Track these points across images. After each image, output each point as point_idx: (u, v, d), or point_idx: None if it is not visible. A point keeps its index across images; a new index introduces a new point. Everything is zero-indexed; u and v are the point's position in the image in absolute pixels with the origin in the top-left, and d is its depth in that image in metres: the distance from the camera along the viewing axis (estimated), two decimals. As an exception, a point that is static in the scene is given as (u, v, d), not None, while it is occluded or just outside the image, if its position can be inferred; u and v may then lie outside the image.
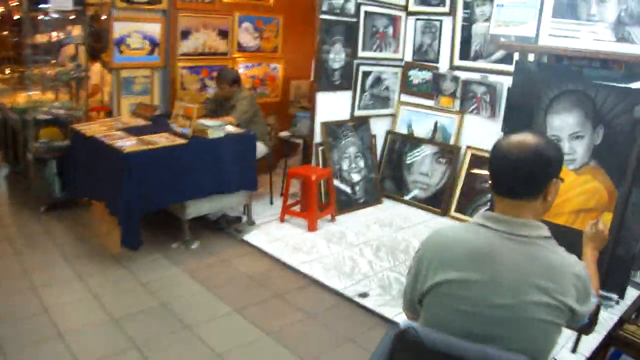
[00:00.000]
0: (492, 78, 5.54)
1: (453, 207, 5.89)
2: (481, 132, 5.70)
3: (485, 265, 1.62)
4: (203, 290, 4.08)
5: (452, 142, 5.98)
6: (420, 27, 6.10)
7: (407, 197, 6.11)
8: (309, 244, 4.94)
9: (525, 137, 1.69)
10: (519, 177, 1.67)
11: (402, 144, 6.29)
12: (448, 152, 5.98)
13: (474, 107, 5.75)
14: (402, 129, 6.36)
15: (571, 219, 2.88)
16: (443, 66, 5.98)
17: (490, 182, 1.77)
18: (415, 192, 6.05)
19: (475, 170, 5.71)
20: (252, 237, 5.05)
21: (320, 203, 5.46)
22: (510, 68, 5.25)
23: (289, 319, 3.77)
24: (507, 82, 5.43)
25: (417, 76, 6.19)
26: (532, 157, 1.65)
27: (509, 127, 3.03)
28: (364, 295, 4.15)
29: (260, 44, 6.61)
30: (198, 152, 4.54)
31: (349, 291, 4.16)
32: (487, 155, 5.64)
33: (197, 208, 4.70)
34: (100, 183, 4.54)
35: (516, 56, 3.41)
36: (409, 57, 6.27)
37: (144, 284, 4.11)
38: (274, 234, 5.14)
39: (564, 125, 2.85)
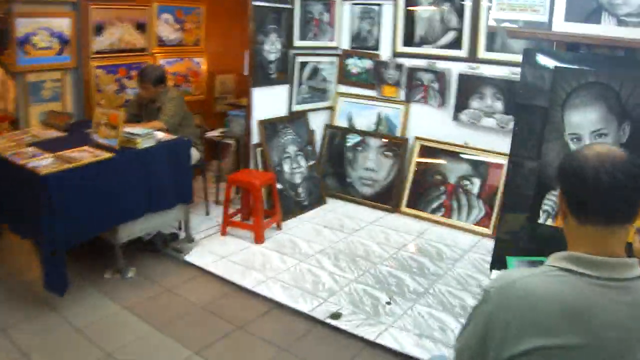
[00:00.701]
0: (440, 64, 5.22)
1: (404, 202, 5.54)
2: (430, 122, 5.39)
3: (583, 325, 1.34)
4: (152, 331, 3.47)
5: (398, 133, 5.60)
6: (357, 13, 5.67)
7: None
8: (260, 260, 4.42)
9: (610, 148, 1.45)
10: (622, 196, 1.38)
11: (342, 138, 5.83)
12: (395, 144, 5.61)
13: (420, 95, 5.39)
14: (342, 122, 5.92)
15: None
16: (385, 53, 5.60)
17: (568, 205, 1.47)
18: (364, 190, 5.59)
19: (423, 160, 5.36)
20: (195, 256, 4.45)
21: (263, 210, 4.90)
22: (459, 53, 4.94)
23: (260, 356, 3.24)
24: (456, 68, 5.12)
25: (356, 65, 5.76)
26: (637, 171, 1.39)
27: (520, 128, 2.61)
28: (336, 315, 3.71)
29: (182, 37, 5.96)
30: (128, 167, 3.90)
31: (318, 313, 3.72)
32: (439, 146, 5.44)
33: (130, 230, 4.06)
34: (15, 211, 3.77)
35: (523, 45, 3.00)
36: (346, 45, 5.81)
37: (80, 329, 3.46)
38: (218, 250, 4.57)
39: (585, 122, 2.52)
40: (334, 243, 4.81)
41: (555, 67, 2.57)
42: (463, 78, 5.17)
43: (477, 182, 5.30)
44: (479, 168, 5.28)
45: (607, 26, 2.51)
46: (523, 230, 2.71)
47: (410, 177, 5.53)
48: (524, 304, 1.39)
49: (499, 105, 5.10)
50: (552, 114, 2.60)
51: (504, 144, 5.05)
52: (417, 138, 5.51)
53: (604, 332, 1.33)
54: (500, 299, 1.44)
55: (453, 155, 5.37)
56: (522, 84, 2.63)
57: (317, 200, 5.62)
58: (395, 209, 5.57)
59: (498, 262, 2.71)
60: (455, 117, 5.27)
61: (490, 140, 5.21)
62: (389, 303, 3.93)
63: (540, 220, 2.64)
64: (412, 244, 4.77)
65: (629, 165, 1.40)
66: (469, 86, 5.15)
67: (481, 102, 5.15)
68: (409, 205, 5.54)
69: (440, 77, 5.24)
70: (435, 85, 5.29)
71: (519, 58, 4.81)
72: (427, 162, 5.47)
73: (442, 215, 5.42)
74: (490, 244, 4.97)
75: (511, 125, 4.94)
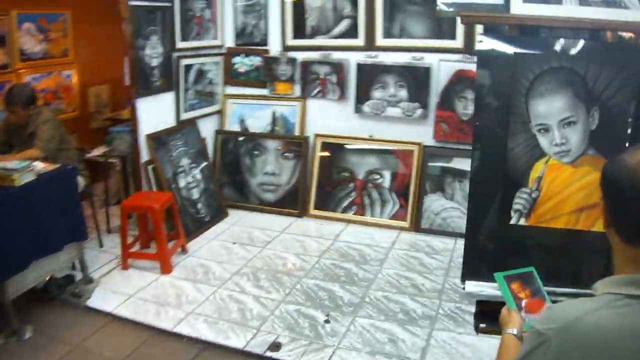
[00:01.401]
0: (336, 55, 4.94)
1: (311, 205, 5.22)
2: (331, 117, 5.12)
3: None
4: (68, 403, 2.88)
5: (297, 132, 5.25)
6: (241, 7, 5.23)
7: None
8: (173, 293, 3.93)
9: None
10: None
11: (236, 143, 5.38)
12: (294, 144, 5.26)
13: (317, 90, 5.06)
14: (233, 127, 5.45)
15: (572, 220, 2.40)
16: (274, 48, 5.22)
17: (615, 222, 1.29)
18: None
19: (327, 157, 5.08)
20: (98, 300, 3.88)
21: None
22: (355, 42, 4.68)
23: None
24: (354, 58, 4.85)
25: (244, 63, 5.34)
26: None
27: (481, 123, 2.35)
28: (275, 346, 3.38)
29: (48, 48, 5.18)
30: (7, 209, 3.23)
31: (254, 346, 3.38)
32: (341, 142, 5.17)
33: (18, 283, 3.44)
34: None
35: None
36: (231, 42, 5.35)
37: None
38: (123, 288, 4.02)
39: (552, 110, 2.35)
40: (248, 261, 4.41)
41: (515, 53, 2.34)
42: (362, 68, 4.92)
43: (387, 174, 5.10)
44: (388, 160, 5.07)
45: (569, 7, 2.32)
46: (494, 233, 2.47)
47: (314, 177, 5.23)
48: (597, 344, 1.20)
49: (403, 93, 4.91)
50: (515, 104, 2.39)
51: (412, 132, 4.91)
52: (318, 135, 5.20)
53: None
54: (565, 342, 1.22)
55: (359, 150, 5.12)
56: (479, 75, 2.36)
57: (217, 214, 5.17)
58: (303, 212, 5.25)
59: (471, 273, 2.45)
60: (358, 110, 5.02)
61: (397, 130, 5.03)
62: (327, 321, 3.61)
63: (513, 221, 2.41)
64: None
65: None
66: (370, 76, 4.92)
67: (384, 91, 4.93)
68: (317, 207, 5.25)
69: (338, 68, 4.96)
70: (333, 78, 5.00)
71: (419, 43, 4.70)
72: (331, 160, 5.16)
73: (355, 214, 5.17)
74: (409, 237, 4.82)
75: (418, 112, 4.79)
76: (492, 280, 2.42)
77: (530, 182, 2.38)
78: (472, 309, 3.85)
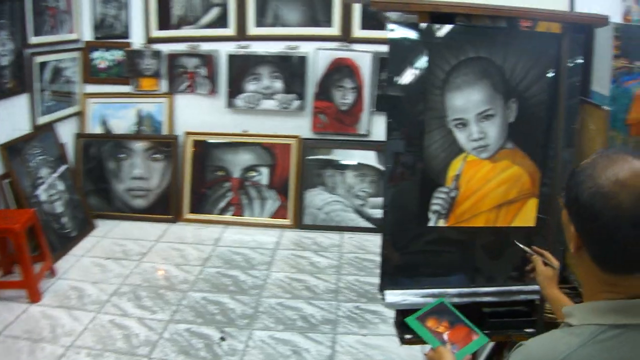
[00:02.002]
0: (205, 46, 4.61)
1: (186, 208, 4.87)
2: (201, 113, 4.84)
3: None
4: None
5: (165, 131, 4.86)
6: (99, -5, 4.68)
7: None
8: (46, 325, 3.48)
9: None
10: None
11: (99, 147, 4.88)
12: (163, 144, 4.88)
13: (186, 84, 4.72)
14: (95, 129, 4.94)
15: (492, 217, 2.33)
16: (137, 41, 4.78)
17: (586, 248, 1.15)
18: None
19: (199, 156, 4.77)
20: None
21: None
22: (226, 31, 4.40)
23: None
24: (224, 49, 4.55)
25: (104, 58, 4.85)
26: None
27: (394, 120, 2.18)
28: (171, 375, 2.99)
29: None
30: None
31: None
32: (214, 139, 4.83)
33: None
34: None
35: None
36: (89, 35, 4.81)
37: None
38: (-15, 325, 3.46)
39: (469, 104, 2.24)
40: (125, 277, 4.00)
41: (429, 43, 2.16)
42: (234, 59, 4.64)
43: (265, 171, 4.87)
44: (265, 156, 4.84)
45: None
46: (412, 237, 2.32)
47: (187, 178, 4.88)
48: None
49: (278, 84, 4.70)
50: (430, 98, 2.24)
51: (289, 125, 4.73)
52: (189, 133, 4.85)
53: None
54: None
55: (233, 147, 4.84)
56: (390, 68, 2.18)
57: (84, 227, 4.66)
58: (177, 217, 4.90)
59: (390, 283, 2.30)
60: (230, 104, 4.74)
61: (273, 123, 4.82)
62: (223, 339, 3.36)
63: (431, 223, 2.27)
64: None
65: None
66: (242, 67, 4.65)
67: (258, 83, 4.69)
68: (193, 211, 4.91)
69: (208, 61, 4.63)
70: (203, 71, 4.67)
71: (294, 31, 4.49)
72: (204, 159, 4.83)
73: (233, 215, 4.89)
74: (293, 235, 4.66)
75: (295, 104, 4.59)
76: (414, 287, 2.31)
77: (448, 181, 2.25)
78: (372, 307, 3.78)
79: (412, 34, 2.20)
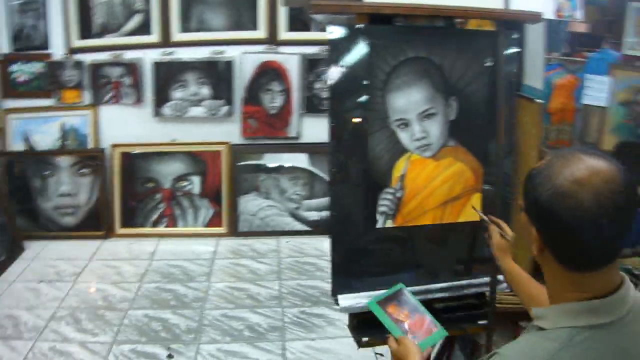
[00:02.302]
0: (128, 55, 4.47)
1: (117, 223, 4.72)
2: (128, 124, 4.70)
3: None
4: None
5: (91, 145, 4.69)
6: (15, 5, 4.47)
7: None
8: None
9: (600, 173, 1.10)
10: (623, 236, 1.13)
11: (23, 165, 4.66)
12: (89, 158, 4.72)
13: (111, 95, 4.57)
14: (17, 146, 4.70)
15: (438, 215, 2.37)
16: (58, 51, 4.55)
17: (549, 249, 1.17)
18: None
19: (127, 168, 4.60)
20: None
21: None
22: (150, 38, 4.30)
23: None
24: (149, 56, 4.43)
25: (23, 71, 4.65)
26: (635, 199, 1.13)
27: (337, 123, 2.19)
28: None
29: None
30: None
31: None
32: (142, 150, 4.67)
33: None
34: None
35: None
36: (6, 48, 4.57)
37: None
38: None
39: (410, 104, 2.27)
40: (62, 300, 3.84)
41: (369, 44, 2.18)
42: (159, 67, 4.54)
43: (196, 180, 4.79)
44: (196, 164, 4.77)
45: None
46: (361, 240, 2.33)
47: (117, 192, 4.73)
48: None
49: (205, 91, 4.64)
50: (372, 100, 2.25)
51: (218, 132, 4.69)
52: (115, 145, 4.69)
53: None
54: None
55: (162, 157, 4.73)
56: (331, 72, 2.18)
57: (13, 250, 4.43)
58: (109, 233, 4.75)
59: (342, 287, 2.30)
60: (157, 113, 4.63)
61: (202, 131, 4.75)
62: (170, 356, 3.28)
63: (379, 225, 2.29)
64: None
65: (629, 196, 1.11)
66: (168, 75, 4.55)
67: (185, 90, 4.60)
68: (125, 225, 4.78)
69: (132, 69, 4.50)
70: (127, 80, 4.54)
71: (219, 36, 4.43)
72: (133, 171, 4.70)
73: (167, 226, 4.78)
74: (230, 243, 4.63)
75: (223, 110, 4.54)
76: (366, 289, 2.31)
77: (393, 182, 2.27)
78: (317, 310, 3.78)
79: (351, 36, 2.20)
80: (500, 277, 2.41)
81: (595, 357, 1.12)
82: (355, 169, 2.26)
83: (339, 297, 2.28)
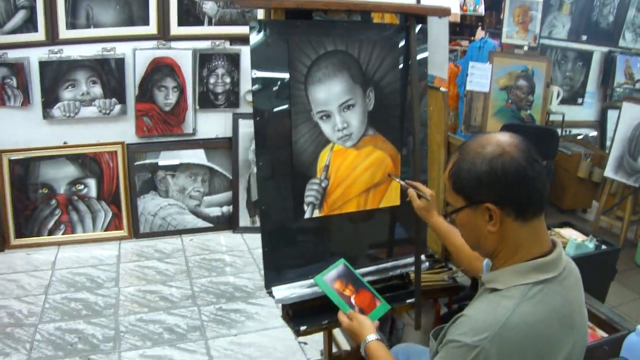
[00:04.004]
0: (13, 54, 4.25)
1: (11, 234, 4.53)
2: (15, 128, 4.46)
3: (571, 326, 1.39)
4: None
5: (-27, 152, 4.42)
6: None
7: None
8: None
9: (509, 138, 1.39)
10: (544, 179, 1.39)
11: None
12: (-27, 167, 4.41)
13: (-7, 98, 4.33)
14: None
15: (362, 202, 2.48)
16: None
17: (507, 211, 1.36)
18: None
19: (17, 175, 4.38)
20: None
21: None
22: (35, 36, 4.17)
23: None
24: (35, 55, 4.27)
25: None
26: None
27: (261, 119, 2.25)
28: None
29: None
30: None
31: None
32: (32, 155, 4.43)
33: None
34: None
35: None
36: None
37: None
38: None
39: (331, 96, 2.34)
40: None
41: (290, 39, 2.24)
42: (46, 66, 4.34)
43: (92, 182, 4.67)
44: (91, 166, 4.64)
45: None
46: (290, 231, 2.40)
47: (7, 201, 4.48)
48: (532, 340, 1.30)
49: (97, 90, 4.51)
50: (295, 94, 2.30)
51: (112, 132, 4.61)
52: (3, 151, 4.45)
53: (579, 322, 1.41)
54: (503, 347, 1.28)
55: (55, 161, 4.55)
56: (254, 68, 2.22)
57: None
58: (4, 246, 4.52)
59: (275, 279, 2.35)
60: (47, 115, 4.45)
61: (95, 131, 4.62)
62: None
63: (307, 215, 2.37)
64: None
65: (534, 152, 1.38)
66: (57, 74, 4.38)
67: (75, 90, 4.45)
68: (20, 236, 4.56)
69: (18, 69, 4.27)
70: (13, 82, 4.31)
71: (110, 32, 4.32)
72: (24, 177, 4.50)
73: (64, 233, 4.61)
74: (132, 245, 4.59)
75: (116, 109, 4.46)
76: (299, 279, 2.39)
77: (318, 172, 2.35)
78: (234, 306, 3.82)
79: (272, 31, 2.25)
80: (423, 256, 2.59)
81: (549, 306, 1.31)
82: (281, 161, 2.31)
83: (273, 289, 2.32)
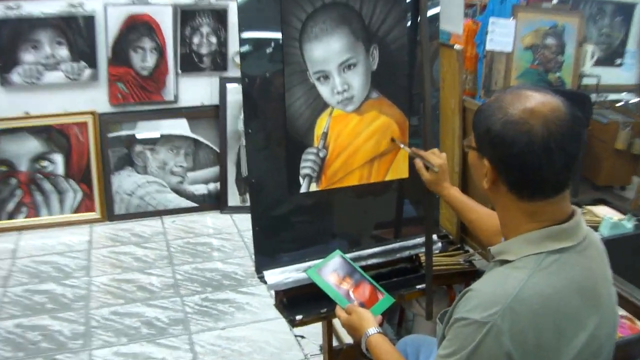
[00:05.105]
0: (-37, 12, 4.22)
1: (-35, 218, 4.52)
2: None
3: (595, 300, 1.41)
4: None
5: None
6: None
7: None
8: None
9: (547, 103, 1.36)
10: (573, 165, 1.38)
11: None
12: None
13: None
14: None
15: (365, 174, 2.49)
16: None
17: (502, 179, 1.41)
18: None
19: None
20: None
21: None
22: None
23: None
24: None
25: None
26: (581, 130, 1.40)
27: (250, 79, 2.27)
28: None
29: None
30: None
31: None
32: None
33: None
34: None
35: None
36: None
37: None
38: None
39: (329, 54, 2.34)
40: None
41: (280, -10, 2.24)
42: (2, 24, 4.33)
43: (59, 158, 4.72)
44: (57, 140, 4.67)
45: None
46: (284, 208, 2.42)
47: (-39, 181, 4.51)
48: (548, 313, 1.32)
49: (63, 51, 4.53)
50: (288, 52, 2.31)
51: (82, 99, 4.66)
52: (-46, 124, 4.46)
53: (606, 299, 1.43)
54: (515, 322, 1.30)
55: (15, 134, 4.58)
56: (242, 24, 2.23)
57: None
58: (-45, 231, 4.51)
59: (267, 263, 2.38)
60: (5, 81, 4.46)
61: (62, 99, 4.65)
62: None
63: (303, 189, 2.39)
64: None
65: (574, 126, 1.36)
66: (15, 34, 4.39)
67: (38, 52, 4.47)
68: (-26, 221, 4.56)
69: (-31, 30, 4.26)
70: (-36, 43, 4.30)
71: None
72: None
73: (27, 217, 4.66)
74: (106, 229, 4.66)
75: (86, 74, 4.48)
76: (294, 262, 2.42)
77: (315, 140, 2.36)
78: (221, 295, 3.87)
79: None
80: (435, 236, 2.61)
81: (566, 277, 1.34)
82: (273, 128, 2.32)
83: (265, 273, 2.34)
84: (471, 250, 2.94)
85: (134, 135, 4.83)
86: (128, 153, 4.82)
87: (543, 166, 1.33)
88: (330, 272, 2.20)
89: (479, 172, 1.46)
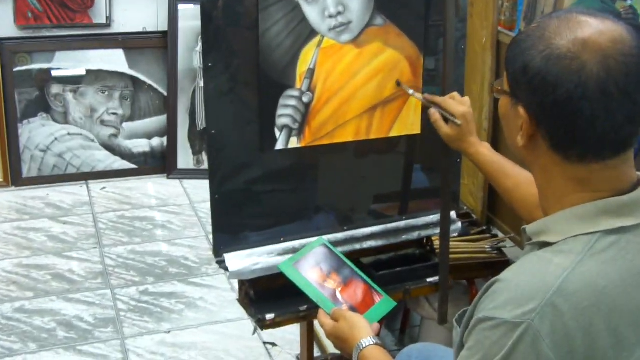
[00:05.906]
0: None
1: None
2: None
3: None
4: None
5: None
6: None
7: None
8: None
9: (609, 23, 1.33)
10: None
11: None
12: None
13: None
14: None
15: (364, 126, 2.48)
16: None
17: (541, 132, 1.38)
18: None
19: None
20: None
21: None
22: None
23: None
24: None
25: None
26: None
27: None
28: None
29: None
30: None
31: None
32: None
33: None
34: None
35: None
36: None
37: None
38: None
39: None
40: None
41: None
42: None
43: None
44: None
45: None
46: (254, 170, 2.42)
47: None
48: (600, 311, 1.29)
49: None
50: None
51: None
52: None
53: None
54: (558, 322, 1.27)
55: None
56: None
57: None
58: None
59: (230, 243, 2.40)
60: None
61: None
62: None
63: (279, 145, 2.39)
64: None
65: None
66: None
67: None
68: None
69: None
70: None
71: None
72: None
73: None
74: (10, 197, 4.71)
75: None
76: (265, 243, 2.43)
77: (298, 80, 2.36)
78: (166, 288, 3.89)
79: None
80: (454, 214, 2.62)
81: (627, 265, 1.32)
82: (242, 63, 2.32)
83: (226, 256, 2.35)
84: (501, 235, 2.96)
85: (49, 71, 4.82)
86: (42, 95, 4.81)
87: (598, 117, 1.29)
88: (311, 266, 2.18)
89: (512, 125, 1.44)
